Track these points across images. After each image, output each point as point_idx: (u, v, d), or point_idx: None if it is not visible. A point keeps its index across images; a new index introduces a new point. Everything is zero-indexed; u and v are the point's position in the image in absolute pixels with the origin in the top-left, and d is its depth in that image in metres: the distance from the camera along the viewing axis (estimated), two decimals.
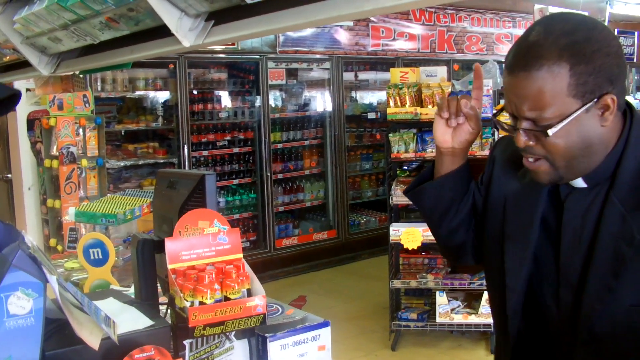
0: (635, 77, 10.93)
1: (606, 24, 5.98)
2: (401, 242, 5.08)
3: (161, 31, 1.60)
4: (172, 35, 1.55)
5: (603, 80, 1.32)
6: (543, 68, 1.31)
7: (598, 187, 1.42)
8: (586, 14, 1.64)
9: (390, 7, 1.07)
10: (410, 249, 5.09)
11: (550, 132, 1.33)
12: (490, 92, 5.19)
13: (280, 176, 7.97)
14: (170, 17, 1.51)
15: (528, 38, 1.35)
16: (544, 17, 1.40)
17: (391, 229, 5.16)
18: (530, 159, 1.42)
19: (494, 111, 5.27)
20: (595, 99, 1.33)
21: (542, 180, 1.43)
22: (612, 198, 1.38)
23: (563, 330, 1.47)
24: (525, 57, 1.34)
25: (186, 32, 1.54)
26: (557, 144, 1.36)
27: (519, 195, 1.54)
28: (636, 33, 9.42)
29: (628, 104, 1.43)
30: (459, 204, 1.64)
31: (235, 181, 7.68)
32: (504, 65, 1.41)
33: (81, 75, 2.92)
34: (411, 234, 5.02)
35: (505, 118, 1.50)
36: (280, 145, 7.99)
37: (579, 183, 1.44)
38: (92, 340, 1.35)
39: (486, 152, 4.95)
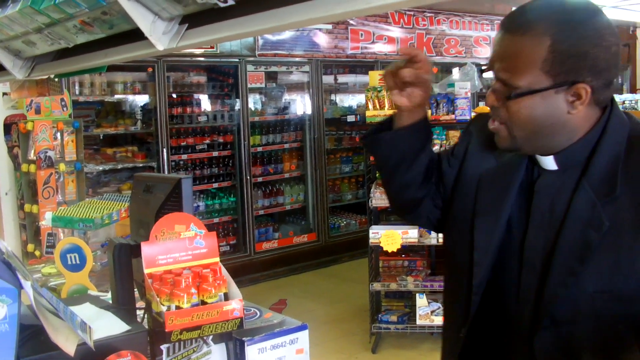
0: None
1: None
2: (381, 245, 5.10)
3: (135, 35, 1.59)
4: (146, 38, 1.54)
5: (583, 68, 1.32)
6: (526, 35, 1.33)
7: (570, 171, 1.42)
8: None
9: (362, 10, 1.08)
10: (389, 251, 5.10)
11: (513, 96, 1.36)
12: (469, 94, 5.22)
13: (260, 179, 7.96)
14: (143, 20, 1.50)
15: (528, 5, 1.37)
16: None
17: (371, 231, 5.17)
18: (496, 123, 1.44)
19: (477, 107, 5.30)
20: (568, 85, 1.33)
21: (500, 144, 1.46)
22: (584, 184, 1.38)
23: (522, 314, 1.45)
24: (516, 19, 1.37)
25: (160, 36, 1.54)
26: (519, 113, 1.38)
27: (494, 173, 1.54)
28: None
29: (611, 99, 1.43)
30: (413, 158, 1.61)
31: (215, 185, 7.65)
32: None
33: (56, 79, 2.89)
34: (390, 237, 5.04)
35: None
36: (259, 149, 7.97)
37: (551, 165, 1.45)
38: (68, 346, 1.34)
39: None
